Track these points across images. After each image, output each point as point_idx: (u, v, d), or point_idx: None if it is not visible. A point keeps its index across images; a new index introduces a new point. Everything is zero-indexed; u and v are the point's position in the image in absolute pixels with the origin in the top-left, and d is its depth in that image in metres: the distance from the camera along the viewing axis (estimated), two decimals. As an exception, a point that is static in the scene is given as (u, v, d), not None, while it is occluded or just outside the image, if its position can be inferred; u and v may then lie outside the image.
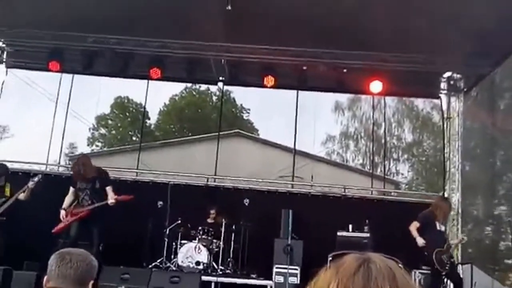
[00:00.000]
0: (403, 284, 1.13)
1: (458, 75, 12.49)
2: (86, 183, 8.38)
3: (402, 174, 24.37)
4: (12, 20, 10.81)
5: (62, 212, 8.37)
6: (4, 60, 12.89)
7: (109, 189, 8.34)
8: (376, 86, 11.26)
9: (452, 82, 12.66)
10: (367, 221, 9.97)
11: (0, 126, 16.00)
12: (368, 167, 20.32)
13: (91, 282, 2.49)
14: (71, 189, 8.56)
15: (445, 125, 13.03)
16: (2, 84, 12.90)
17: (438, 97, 13.27)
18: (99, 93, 15.14)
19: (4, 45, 12.64)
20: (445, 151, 12.89)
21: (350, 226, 9.95)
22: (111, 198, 8.20)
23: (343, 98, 22.67)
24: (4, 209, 8.70)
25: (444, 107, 13.17)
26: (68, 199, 8.49)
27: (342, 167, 22.41)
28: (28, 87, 13.27)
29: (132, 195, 8.55)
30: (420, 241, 8.60)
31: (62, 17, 10.35)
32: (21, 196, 8.73)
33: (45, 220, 9.26)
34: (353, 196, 12.22)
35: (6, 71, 12.93)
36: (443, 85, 12.79)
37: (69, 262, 2.41)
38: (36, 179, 8.78)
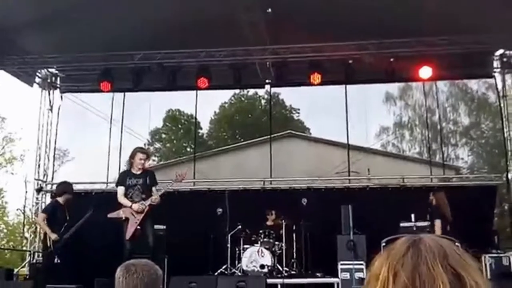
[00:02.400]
0: (456, 262, 1.10)
1: (511, 52, 12.09)
2: (137, 178, 8.30)
3: (462, 158, 23.70)
4: (61, 46, 11.23)
5: (124, 212, 8.17)
6: (58, 85, 13.40)
7: (154, 189, 8.38)
8: (425, 71, 11.02)
9: (505, 59, 12.27)
10: (429, 209, 9.73)
11: (60, 150, 16.51)
12: (426, 155, 19.86)
13: (158, 291, 2.54)
14: (121, 189, 8.35)
15: (502, 104, 12.63)
16: (59, 109, 13.40)
17: (492, 76, 12.89)
18: (151, 108, 15.40)
19: (57, 72, 13.15)
20: (504, 130, 12.48)
21: (413, 216, 9.73)
22: (153, 198, 8.14)
23: (394, 88, 22.17)
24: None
25: (499, 85, 12.79)
26: (126, 200, 8.23)
27: (398, 157, 21.99)
28: (83, 109, 13.67)
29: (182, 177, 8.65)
30: None
31: (108, 38, 10.67)
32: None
33: (110, 236, 9.52)
34: (412, 185, 11.98)
35: (61, 96, 13.43)
36: (496, 63, 12.42)
37: (134, 272, 2.47)
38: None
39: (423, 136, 22.53)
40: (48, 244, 9.07)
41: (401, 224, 9.67)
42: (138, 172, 8.34)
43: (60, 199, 9.54)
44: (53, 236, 8.99)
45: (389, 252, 1.17)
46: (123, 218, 8.13)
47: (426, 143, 19.90)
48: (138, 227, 8.13)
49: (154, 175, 8.59)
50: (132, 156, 8.58)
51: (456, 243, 1.16)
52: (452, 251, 1.12)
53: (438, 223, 9.17)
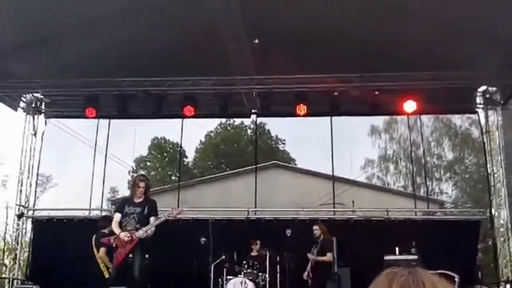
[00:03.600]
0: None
1: (494, 88, 12.28)
2: (136, 207, 8.05)
3: (446, 193, 23.79)
4: (47, 70, 11.20)
5: (115, 239, 7.88)
6: (43, 110, 13.32)
7: (153, 219, 8.15)
8: (409, 105, 11.16)
9: (488, 96, 12.46)
10: (413, 243, 9.70)
11: (43, 176, 16.35)
12: (410, 189, 19.94)
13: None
14: (117, 216, 8.08)
15: (485, 140, 12.75)
16: (43, 134, 13.29)
17: (475, 112, 13.06)
18: (136, 135, 15.36)
19: (42, 96, 13.10)
20: (488, 166, 12.59)
21: (397, 249, 9.70)
22: (146, 230, 7.83)
23: (379, 121, 22.43)
24: None
25: (483, 121, 12.92)
26: (117, 228, 7.94)
27: (383, 190, 22.03)
28: (67, 135, 13.58)
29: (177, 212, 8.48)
30: None
31: (94, 64, 10.68)
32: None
33: (92, 264, 9.36)
34: (396, 218, 11.97)
35: (46, 121, 13.34)
36: (479, 99, 12.61)
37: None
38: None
39: (407, 169, 22.63)
40: (107, 276, 8.96)
41: (386, 257, 9.61)
42: (138, 201, 8.15)
43: (106, 231, 9.60)
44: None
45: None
46: (114, 245, 7.95)
47: (410, 176, 20.01)
48: (130, 255, 7.94)
49: (155, 205, 8.26)
50: (133, 184, 8.46)
51: (455, 279, 1.22)
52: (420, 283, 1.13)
53: (330, 256, 9.35)
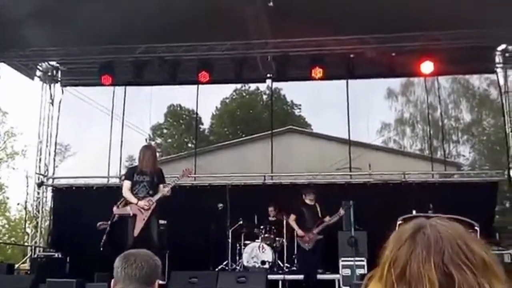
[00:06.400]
0: (452, 259, 1.10)
1: (513, 47, 12.04)
2: (145, 175, 8.05)
3: (464, 155, 23.63)
4: (62, 38, 11.18)
5: (131, 208, 7.84)
6: (59, 79, 13.35)
7: (162, 186, 8.09)
8: (427, 66, 10.97)
9: (507, 55, 12.23)
10: (431, 205, 9.67)
11: (62, 145, 16.48)
12: (427, 152, 19.82)
13: (157, 281, 2.52)
14: (128, 183, 8.03)
15: (503, 100, 12.58)
16: (60, 103, 13.35)
17: (494, 72, 12.81)
18: (152, 103, 15.35)
19: (58, 65, 13.11)
20: (506, 127, 12.44)
21: (414, 212, 9.68)
22: (164, 190, 7.91)
23: (395, 83, 22.16)
24: None
25: (501, 81, 12.72)
26: (131, 196, 7.89)
27: (400, 153, 21.95)
28: (84, 103, 13.62)
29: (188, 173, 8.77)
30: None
31: (109, 31, 10.62)
32: None
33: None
34: (413, 181, 11.93)
35: (62, 90, 13.38)
36: (498, 58, 12.36)
37: (133, 263, 2.44)
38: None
39: (424, 132, 22.47)
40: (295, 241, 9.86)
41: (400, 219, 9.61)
42: (146, 169, 8.21)
43: (307, 200, 9.97)
44: (300, 232, 9.68)
45: (397, 234, 1.19)
46: (131, 214, 7.99)
47: (427, 139, 19.85)
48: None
49: (162, 172, 8.34)
50: (140, 154, 8.48)
51: (475, 227, 1.20)
52: (454, 244, 1.11)
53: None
